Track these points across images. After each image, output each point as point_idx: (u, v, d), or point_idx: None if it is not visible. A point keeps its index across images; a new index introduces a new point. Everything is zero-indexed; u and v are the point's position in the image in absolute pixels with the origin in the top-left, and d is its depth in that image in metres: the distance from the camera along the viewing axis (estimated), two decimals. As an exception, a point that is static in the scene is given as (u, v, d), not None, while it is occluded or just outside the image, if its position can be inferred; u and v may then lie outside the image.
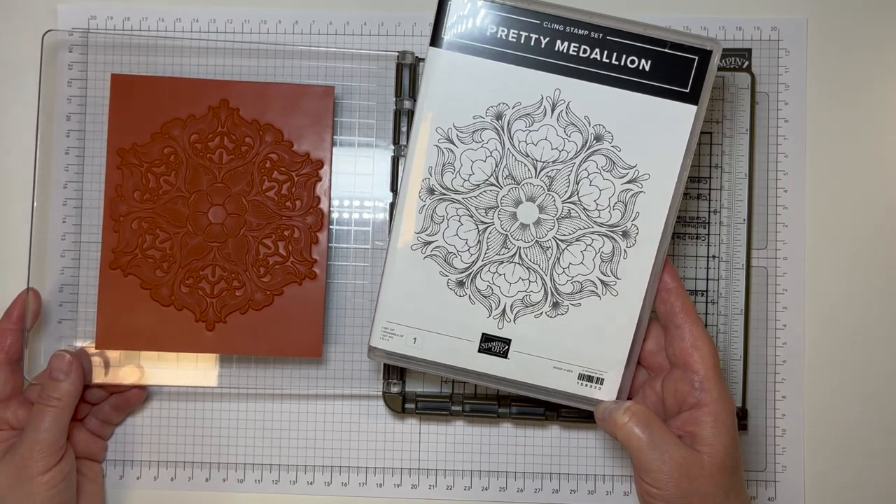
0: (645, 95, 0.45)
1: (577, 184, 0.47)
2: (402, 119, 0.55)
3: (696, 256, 0.55)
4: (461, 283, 0.48)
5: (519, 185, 0.47)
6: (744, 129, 0.55)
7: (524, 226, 0.47)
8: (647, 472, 0.44)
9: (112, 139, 0.53)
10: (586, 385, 0.48)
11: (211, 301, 0.53)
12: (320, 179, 0.53)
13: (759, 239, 0.56)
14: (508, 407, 0.54)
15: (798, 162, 0.56)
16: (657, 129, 0.46)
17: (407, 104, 0.55)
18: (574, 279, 0.47)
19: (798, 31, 0.56)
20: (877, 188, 0.56)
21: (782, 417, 0.56)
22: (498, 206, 0.47)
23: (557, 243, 0.47)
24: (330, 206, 0.54)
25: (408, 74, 0.55)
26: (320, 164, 0.53)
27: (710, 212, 0.55)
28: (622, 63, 0.45)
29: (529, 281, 0.47)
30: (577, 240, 0.47)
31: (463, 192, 0.47)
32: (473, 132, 0.46)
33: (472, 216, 0.47)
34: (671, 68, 0.45)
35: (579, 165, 0.46)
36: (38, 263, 0.55)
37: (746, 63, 0.56)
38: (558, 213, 0.47)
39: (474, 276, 0.48)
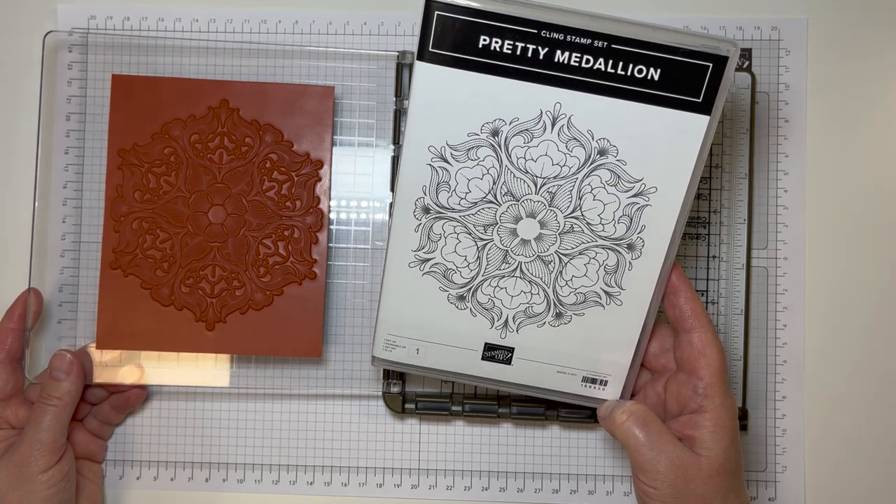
0: (653, 107, 0.42)
1: (580, 199, 0.45)
2: (402, 119, 0.54)
3: (696, 256, 0.55)
4: (462, 298, 0.47)
5: (518, 201, 0.45)
6: (744, 129, 0.55)
7: (525, 241, 0.46)
8: (643, 471, 0.44)
9: (112, 139, 0.53)
10: (590, 386, 0.49)
11: (211, 301, 0.53)
12: (320, 179, 0.53)
13: (759, 239, 0.56)
14: (508, 407, 0.54)
15: (798, 162, 0.56)
16: (666, 142, 0.43)
17: (407, 104, 0.54)
18: (577, 291, 0.46)
19: (798, 31, 0.56)
20: (877, 188, 0.56)
21: (782, 417, 0.56)
22: (497, 223, 0.45)
23: (560, 257, 0.46)
24: (330, 206, 0.54)
25: (408, 74, 0.55)
26: (320, 164, 0.53)
27: (710, 212, 0.55)
28: (629, 73, 0.42)
29: (531, 294, 0.47)
30: (580, 253, 0.46)
31: (460, 210, 0.45)
32: (468, 150, 0.44)
33: (470, 233, 0.46)
34: (683, 77, 0.42)
35: (582, 181, 0.44)
36: (39, 263, 0.55)
37: (746, 63, 0.56)
38: (560, 229, 0.45)
39: (475, 291, 0.47)
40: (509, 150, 0.44)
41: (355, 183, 0.55)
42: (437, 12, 0.41)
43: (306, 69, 0.56)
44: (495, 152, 0.44)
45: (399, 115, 0.55)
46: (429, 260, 0.46)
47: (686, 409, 0.45)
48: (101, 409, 0.54)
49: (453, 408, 0.54)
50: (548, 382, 0.49)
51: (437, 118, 0.43)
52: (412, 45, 0.56)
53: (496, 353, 0.48)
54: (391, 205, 0.54)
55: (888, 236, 0.56)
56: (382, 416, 0.56)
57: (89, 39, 0.56)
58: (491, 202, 0.45)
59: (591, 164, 0.44)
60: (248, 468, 0.56)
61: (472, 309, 0.47)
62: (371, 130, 0.56)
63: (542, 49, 0.42)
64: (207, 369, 0.55)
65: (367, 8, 0.57)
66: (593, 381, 0.48)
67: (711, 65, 0.42)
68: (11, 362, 0.52)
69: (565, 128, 0.43)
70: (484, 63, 0.42)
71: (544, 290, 0.47)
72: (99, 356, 0.53)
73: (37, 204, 0.54)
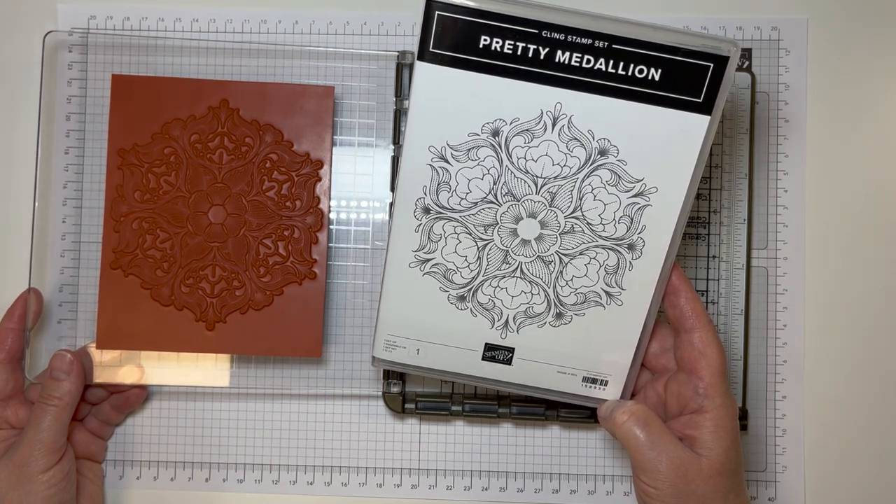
0: (654, 107, 0.42)
1: (581, 199, 0.45)
2: (402, 119, 0.54)
3: (696, 256, 0.55)
4: (462, 298, 0.47)
5: (519, 202, 0.45)
6: (744, 129, 0.55)
7: (525, 241, 0.46)
8: (644, 471, 0.44)
9: (112, 139, 0.53)
10: (590, 386, 0.49)
11: (211, 301, 0.53)
12: (320, 179, 0.53)
13: (759, 239, 0.56)
14: (508, 407, 0.54)
15: (798, 162, 0.56)
16: (666, 142, 0.43)
17: (407, 104, 0.54)
18: (578, 291, 0.46)
19: (798, 31, 0.56)
20: (877, 188, 0.56)
21: (782, 417, 0.56)
22: (497, 223, 0.45)
23: (560, 257, 0.46)
24: (330, 206, 0.54)
25: (408, 74, 0.55)
26: (320, 164, 0.53)
27: (710, 212, 0.55)
28: (629, 73, 0.42)
29: (532, 294, 0.47)
30: (580, 254, 0.46)
31: (460, 211, 0.45)
32: (469, 150, 0.44)
33: (470, 234, 0.46)
34: (683, 77, 0.42)
35: (582, 181, 0.44)
36: (39, 263, 0.55)
37: (746, 63, 0.56)
38: (560, 229, 0.45)
39: (475, 291, 0.47)
40: (510, 151, 0.44)
41: (355, 183, 0.55)
42: (437, 12, 0.41)
43: (306, 69, 0.56)
44: (496, 152, 0.44)
45: (399, 115, 0.55)
46: (429, 260, 0.46)
47: (686, 409, 0.45)
48: (101, 409, 0.54)
49: (453, 408, 0.54)
50: (548, 382, 0.49)
51: (437, 118, 0.43)
52: (412, 45, 0.56)
53: (496, 353, 0.48)
54: (391, 205, 0.54)
55: (888, 236, 0.56)
56: (382, 416, 0.56)
57: (89, 39, 0.56)
58: (491, 202, 0.45)
59: (592, 164, 0.44)
60: (248, 468, 0.56)
61: (473, 309, 0.47)
62: (371, 130, 0.56)
63: (543, 49, 0.42)
64: (207, 369, 0.55)
65: (367, 8, 0.57)
66: (594, 381, 0.48)
67: (712, 65, 0.42)
68: (11, 362, 0.52)
69: (566, 128, 0.43)
70: (484, 63, 0.42)
71: (545, 291, 0.47)
72: (99, 356, 0.53)
73: (37, 204, 0.54)
